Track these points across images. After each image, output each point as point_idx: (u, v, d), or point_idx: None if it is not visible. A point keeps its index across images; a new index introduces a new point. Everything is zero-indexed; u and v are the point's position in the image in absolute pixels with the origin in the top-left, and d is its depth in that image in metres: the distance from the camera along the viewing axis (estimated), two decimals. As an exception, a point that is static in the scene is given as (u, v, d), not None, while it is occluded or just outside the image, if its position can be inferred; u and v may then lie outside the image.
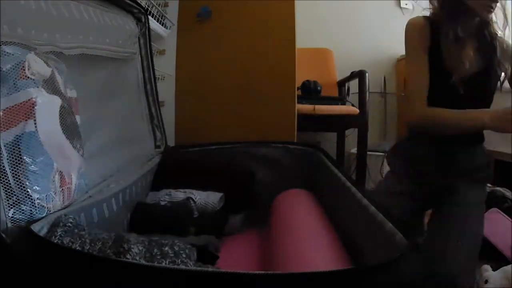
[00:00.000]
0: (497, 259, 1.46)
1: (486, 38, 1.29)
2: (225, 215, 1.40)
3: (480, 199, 1.34)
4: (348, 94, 2.88)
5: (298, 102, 2.01)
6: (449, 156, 1.30)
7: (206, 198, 1.35)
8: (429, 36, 1.29)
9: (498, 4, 1.27)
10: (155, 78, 1.64)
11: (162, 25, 2.15)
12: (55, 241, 0.72)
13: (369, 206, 0.93)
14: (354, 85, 2.74)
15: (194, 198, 1.32)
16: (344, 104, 2.55)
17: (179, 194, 1.35)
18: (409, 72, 1.33)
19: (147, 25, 1.56)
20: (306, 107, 2.27)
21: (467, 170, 1.32)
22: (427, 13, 1.40)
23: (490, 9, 1.23)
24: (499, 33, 1.33)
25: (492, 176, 1.40)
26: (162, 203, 1.33)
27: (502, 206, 1.96)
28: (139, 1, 1.46)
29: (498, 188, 2.11)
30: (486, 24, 1.28)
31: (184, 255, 0.83)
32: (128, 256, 0.76)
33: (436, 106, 1.26)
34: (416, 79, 1.29)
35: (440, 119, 1.23)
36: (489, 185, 2.23)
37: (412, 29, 1.34)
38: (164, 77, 2.23)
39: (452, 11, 1.25)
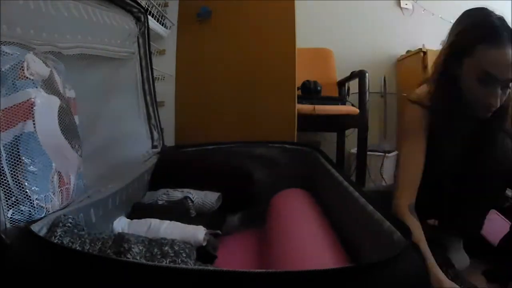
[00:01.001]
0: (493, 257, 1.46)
1: (489, 137, 1.18)
2: (223, 215, 1.40)
3: None
4: (348, 94, 2.88)
5: (298, 102, 2.00)
6: None
7: (204, 198, 1.35)
8: (428, 121, 1.19)
9: None
10: (153, 78, 1.64)
11: (162, 25, 2.16)
12: (55, 241, 0.72)
13: (366, 205, 0.93)
14: (354, 85, 2.74)
15: (191, 198, 1.32)
16: (344, 104, 2.55)
17: (177, 194, 1.35)
18: (405, 159, 1.21)
19: (146, 24, 1.55)
20: (306, 107, 2.27)
21: None
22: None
23: (491, 109, 1.10)
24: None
25: None
26: (160, 202, 1.33)
27: (503, 206, 1.96)
28: (138, 1, 1.46)
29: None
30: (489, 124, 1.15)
31: (184, 255, 0.84)
32: (128, 255, 0.76)
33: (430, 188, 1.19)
34: (412, 171, 1.18)
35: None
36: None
37: (411, 112, 1.22)
38: (164, 77, 2.23)
39: (449, 103, 1.15)
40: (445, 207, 1.19)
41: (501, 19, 1.09)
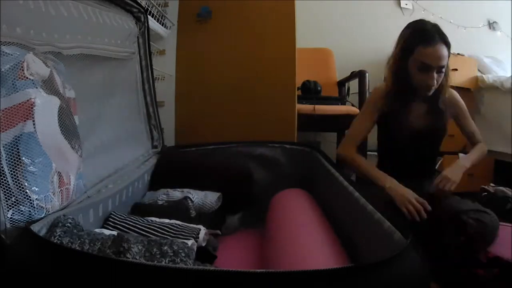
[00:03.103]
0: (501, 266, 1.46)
1: (433, 105, 1.55)
2: (223, 215, 1.40)
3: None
4: (348, 94, 2.88)
5: (298, 102, 2.01)
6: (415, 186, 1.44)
7: (204, 198, 1.35)
8: (386, 103, 1.56)
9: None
10: (153, 78, 1.64)
11: (162, 25, 2.15)
12: (55, 241, 0.72)
13: (366, 205, 0.94)
14: (354, 85, 2.73)
15: (191, 198, 1.32)
16: (344, 104, 2.55)
17: (177, 194, 1.35)
18: (356, 120, 1.64)
19: (146, 24, 1.55)
20: (306, 107, 2.27)
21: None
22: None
23: (429, 89, 1.46)
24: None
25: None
26: (160, 202, 1.33)
27: (504, 208, 1.95)
28: (138, 1, 1.46)
29: (500, 188, 2.10)
30: (433, 95, 1.51)
31: (183, 254, 0.84)
32: (128, 255, 0.76)
33: (390, 153, 1.63)
34: (357, 127, 1.61)
35: (355, 165, 1.53)
36: (492, 184, 2.24)
37: (374, 94, 1.63)
38: (164, 77, 2.23)
39: (400, 88, 1.53)
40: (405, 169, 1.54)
41: (435, 25, 1.47)
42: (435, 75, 1.44)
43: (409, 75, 1.49)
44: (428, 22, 1.50)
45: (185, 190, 1.37)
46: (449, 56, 1.46)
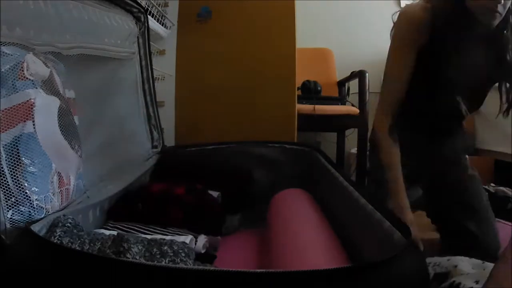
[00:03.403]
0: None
1: (496, 45, 1.13)
2: (223, 215, 1.40)
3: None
4: (348, 94, 2.87)
5: (298, 102, 2.01)
6: (438, 144, 1.29)
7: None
8: (426, 33, 1.11)
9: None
10: (153, 78, 1.64)
11: (162, 25, 2.16)
12: (55, 241, 0.72)
13: (366, 205, 0.94)
14: (354, 85, 2.73)
15: None
16: (344, 104, 2.55)
17: None
18: (389, 74, 1.18)
19: (146, 24, 1.55)
20: (306, 107, 2.27)
21: (453, 157, 1.33)
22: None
23: (494, 13, 1.04)
24: None
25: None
26: None
27: (505, 208, 1.95)
28: (138, 1, 1.45)
29: (500, 188, 2.10)
30: (499, 28, 1.09)
31: (183, 254, 0.84)
32: (128, 255, 0.76)
33: (413, 113, 1.21)
34: (394, 88, 1.16)
35: (383, 160, 1.15)
36: (492, 184, 2.24)
37: (406, 23, 1.13)
38: (164, 77, 2.23)
39: (453, 16, 1.08)
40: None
41: None
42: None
43: None
44: None
45: None
46: None
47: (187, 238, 0.95)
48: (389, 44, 1.20)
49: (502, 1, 1.01)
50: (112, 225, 1.03)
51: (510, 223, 1.60)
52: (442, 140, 1.27)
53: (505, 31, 1.09)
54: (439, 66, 1.12)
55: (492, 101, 1.63)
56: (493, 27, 1.07)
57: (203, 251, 1.00)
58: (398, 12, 1.16)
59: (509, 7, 1.06)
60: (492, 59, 1.13)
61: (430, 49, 1.11)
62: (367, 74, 2.49)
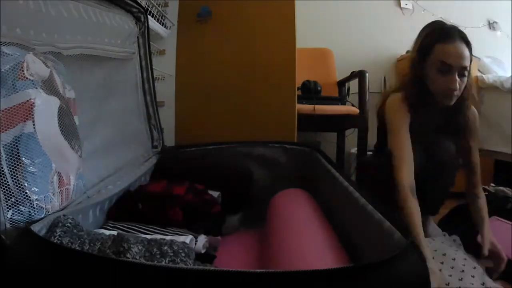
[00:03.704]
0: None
1: (452, 116, 1.42)
2: (223, 215, 1.40)
3: None
4: (348, 94, 2.88)
5: (298, 102, 2.01)
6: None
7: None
8: (408, 113, 1.40)
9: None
10: (153, 77, 1.64)
11: (162, 25, 2.15)
12: (55, 241, 0.72)
13: (366, 205, 0.94)
14: (354, 85, 2.73)
15: None
16: (344, 104, 2.55)
17: None
18: (396, 148, 1.39)
19: (146, 24, 1.55)
20: (306, 107, 2.27)
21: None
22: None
23: (450, 96, 1.33)
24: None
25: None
26: None
27: (505, 207, 1.95)
28: (138, 1, 1.45)
29: (500, 188, 2.10)
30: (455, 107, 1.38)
31: (183, 254, 0.84)
32: (128, 255, 0.76)
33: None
34: (406, 152, 1.35)
35: (403, 210, 1.25)
36: (492, 184, 2.24)
37: (392, 108, 1.44)
38: (164, 77, 2.23)
39: (417, 97, 1.39)
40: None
41: (453, 25, 1.39)
42: (457, 78, 1.30)
43: (428, 80, 1.36)
44: (446, 23, 1.42)
45: None
46: (471, 61, 1.34)
47: (187, 238, 0.95)
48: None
49: (457, 87, 1.30)
50: (112, 225, 1.03)
51: (510, 223, 1.60)
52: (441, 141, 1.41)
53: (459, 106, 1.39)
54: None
55: (492, 101, 1.62)
56: (451, 102, 1.35)
57: (203, 251, 1.01)
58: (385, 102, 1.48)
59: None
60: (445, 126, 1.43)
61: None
62: (367, 74, 2.49)
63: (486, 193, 2.11)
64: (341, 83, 2.90)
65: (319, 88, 2.54)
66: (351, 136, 2.76)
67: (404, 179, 1.28)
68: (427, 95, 1.37)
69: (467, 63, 1.31)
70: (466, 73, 1.33)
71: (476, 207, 1.43)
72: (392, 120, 1.43)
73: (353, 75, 2.70)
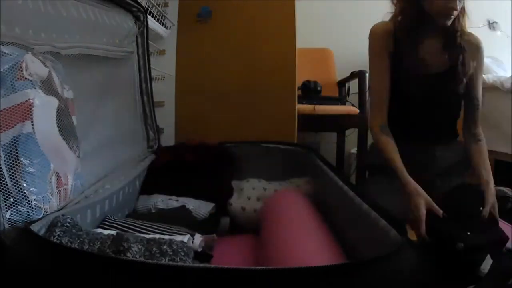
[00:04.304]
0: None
1: (451, 38, 1.30)
2: (217, 218, 1.41)
3: None
4: (348, 94, 2.87)
5: (298, 102, 2.00)
6: (426, 153, 1.32)
7: (198, 209, 1.36)
8: (392, 41, 1.32)
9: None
10: (150, 77, 1.64)
11: (162, 25, 2.16)
12: (54, 241, 0.72)
13: (361, 204, 0.94)
14: (354, 85, 2.73)
15: (188, 207, 1.34)
16: (344, 104, 2.55)
17: (173, 203, 1.36)
18: (372, 80, 1.38)
19: (145, 24, 1.55)
20: (306, 107, 2.26)
21: (445, 167, 1.35)
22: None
23: (449, 15, 1.23)
24: (470, 30, 1.34)
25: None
26: (153, 210, 1.34)
27: (505, 207, 1.95)
28: (138, 0, 1.46)
29: (500, 188, 2.10)
30: (451, 26, 1.28)
31: (182, 253, 0.84)
32: (128, 254, 0.77)
33: (398, 109, 1.34)
34: (377, 87, 1.35)
35: (385, 155, 1.27)
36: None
37: (374, 35, 1.37)
38: (164, 77, 2.23)
39: (410, 18, 1.29)
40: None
41: None
42: None
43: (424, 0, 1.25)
44: None
45: (180, 199, 1.38)
46: None
47: (185, 237, 0.95)
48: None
49: (457, 6, 1.21)
50: (108, 223, 1.04)
51: (510, 224, 1.60)
52: (432, 149, 1.33)
53: (455, 28, 1.28)
54: (402, 61, 1.30)
55: (492, 101, 1.62)
56: (448, 23, 1.25)
57: (199, 250, 1.01)
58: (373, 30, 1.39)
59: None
60: (446, 45, 1.30)
61: (395, 55, 1.31)
62: (367, 74, 2.49)
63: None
64: (341, 83, 2.90)
65: (319, 88, 2.54)
66: (351, 136, 2.75)
67: (375, 126, 1.32)
68: (421, 14, 1.27)
69: None
70: None
71: (477, 149, 1.34)
72: (370, 53, 1.37)
73: (353, 75, 2.70)
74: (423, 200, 1.12)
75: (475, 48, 1.34)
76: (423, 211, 1.10)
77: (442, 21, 1.25)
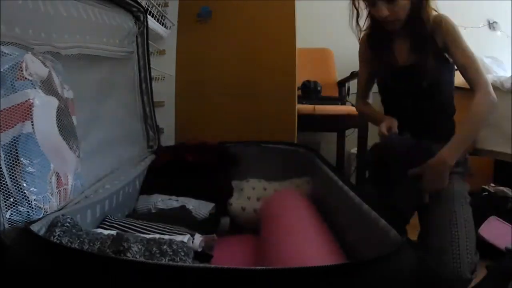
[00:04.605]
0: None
1: (414, 35, 1.38)
2: (217, 218, 1.41)
3: (462, 191, 1.32)
4: (348, 94, 2.87)
5: (298, 102, 2.01)
6: (425, 150, 1.31)
7: (198, 208, 1.36)
8: (368, 45, 1.55)
9: None
10: (150, 77, 1.64)
11: (162, 25, 2.15)
12: (54, 241, 0.72)
13: (361, 204, 0.94)
14: (354, 85, 2.73)
15: (187, 207, 1.34)
16: (344, 104, 2.55)
17: (173, 203, 1.36)
18: (358, 76, 1.71)
19: (145, 24, 1.55)
20: (306, 107, 2.26)
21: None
22: None
23: (387, 22, 1.35)
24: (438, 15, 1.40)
25: (469, 169, 1.42)
26: (153, 210, 1.34)
27: (505, 207, 1.95)
28: (138, 0, 1.46)
29: (500, 188, 2.10)
30: (415, 20, 1.35)
31: (182, 253, 0.84)
32: (128, 254, 0.77)
33: (384, 99, 1.55)
34: (359, 80, 1.70)
35: (365, 114, 1.65)
36: (492, 184, 2.24)
37: (359, 44, 1.63)
38: (164, 77, 2.22)
39: (372, 29, 1.51)
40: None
41: None
42: (384, 6, 1.30)
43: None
44: None
45: (180, 199, 1.38)
46: None
47: (185, 237, 0.95)
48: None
49: (385, 14, 1.31)
50: (108, 224, 1.04)
51: (509, 224, 1.60)
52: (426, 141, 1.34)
53: (412, 29, 1.37)
54: (377, 60, 1.51)
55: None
56: (398, 25, 1.36)
57: (199, 250, 1.01)
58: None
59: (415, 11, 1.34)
60: (411, 46, 1.40)
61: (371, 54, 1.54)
62: (367, 74, 2.49)
63: (486, 192, 2.12)
64: (341, 83, 2.90)
65: (319, 88, 2.54)
66: (351, 136, 2.75)
67: (356, 102, 1.69)
68: (376, 23, 1.43)
69: None
70: None
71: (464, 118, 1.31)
72: (359, 54, 1.66)
73: (353, 75, 2.70)
74: (386, 124, 1.36)
75: (439, 26, 1.35)
76: (384, 127, 1.36)
77: (389, 27, 1.38)
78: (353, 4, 1.52)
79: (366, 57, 1.58)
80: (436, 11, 1.42)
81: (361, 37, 1.61)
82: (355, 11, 1.54)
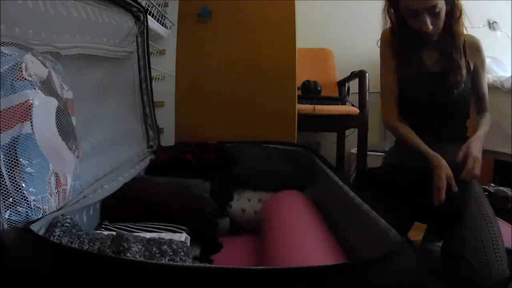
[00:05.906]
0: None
1: (444, 50, 1.42)
2: (214, 222, 1.41)
3: (479, 190, 1.38)
4: (348, 94, 2.87)
5: (298, 102, 2.00)
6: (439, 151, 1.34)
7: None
8: (397, 44, 1.50)
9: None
10: (150, 77, 1.64)
11: (162, 25, 2.16)
12: (54, 241, 0.72)
13: (361, 204, 0.94)
14: (354, 85, 2.73)
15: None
16: (344, 104, 2.55)
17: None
18: (381, 78, 1.57)
19: (145, 23, 1.55)
20: (306, 107, 2.26)
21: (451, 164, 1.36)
22: None
23: (427, 34, 1.36)
24: (467, 31, 1.45)
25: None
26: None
27: (505, 207, 1.95)
28: (138, 0, 1.46)
29: (500, 188, 2.10)
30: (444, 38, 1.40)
31: (182, 253, 0.84)
32: (128, 254, 0.77)
33: (407, 104, 1.48)
34: (386, 85, 1.54)
35: (403, 138, 1.43)
36: (492, 184, 2.24)
37: (383, 36, 1.58)
38: (164, 77, 2.23)
39: (399, 35, 1.48)
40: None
41: None
42: (428, 19, 1.33)
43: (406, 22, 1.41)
44: None
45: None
46: None
47: (182, 236, 0.95)
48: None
49: (430, 28, 1.33)
50: (105, 227, 1.03)
51: (510, 225, 1.60)
52: (442, 147, 1.35)
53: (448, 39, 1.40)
54: (406, 62, 1.47)
55: (492, 101, 1.62)
56: (435, 37, 1.40)
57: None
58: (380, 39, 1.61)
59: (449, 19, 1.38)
60: (440, 57, 1.43)
61: (399, 53, 1.49)
62: (367, 74, 2.49)
63: (486, 193, 2.11)
64: (341, 83, 2.90)
65: (319, 88, 2.54)
66: (351, 136, 2.76)
67: (390, 117, 1.49)
68: (410, 30, 1.41)
69: (434, 2, 1.31)
70: (437, 9, 1.32)
71: (480, 123, 1.46)
72: (381, 54, 1.60)
73: (353, 75, 2.70)
74: (444, 172, 1.24)
75: (475, 49, 1.45)
76: (444, 182, 1.22)
77: (428, 37, 1.39)
78: (387, 13, 1.52)
79: (393, 50, 1.51)
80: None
81: (384, 31, 1.59)
82: (388, 22, 1.54)
